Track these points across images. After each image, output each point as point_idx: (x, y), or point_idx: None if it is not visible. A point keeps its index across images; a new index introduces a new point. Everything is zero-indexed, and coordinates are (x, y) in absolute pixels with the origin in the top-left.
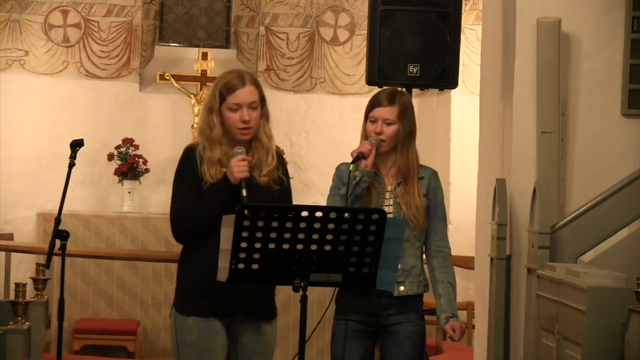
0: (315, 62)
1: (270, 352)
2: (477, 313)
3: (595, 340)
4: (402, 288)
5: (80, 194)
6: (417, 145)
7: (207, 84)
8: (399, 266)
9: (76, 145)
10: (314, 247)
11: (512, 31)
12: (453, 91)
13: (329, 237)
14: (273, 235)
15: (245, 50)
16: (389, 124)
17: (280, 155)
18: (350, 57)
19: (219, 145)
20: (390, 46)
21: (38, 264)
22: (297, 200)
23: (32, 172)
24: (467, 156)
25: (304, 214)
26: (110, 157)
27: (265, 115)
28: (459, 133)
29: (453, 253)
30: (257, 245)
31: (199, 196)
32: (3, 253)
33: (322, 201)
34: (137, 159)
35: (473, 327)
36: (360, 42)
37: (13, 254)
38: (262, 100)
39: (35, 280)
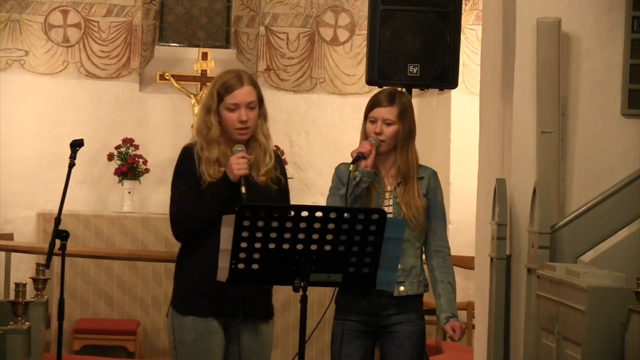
0: (315, 62)
1: (268, 352)
2: (477, 313)
3: (595, 340)
4: (402, 288)
5: (80, 194)
6: (417, 145)
7: (207, 84)
8: (399, 266)
9: (76, 145)
10: (314, 247)
11: (512, 31)
12: (453, 91)
13: (329, 237)
14: (273, 235)
15: (245, 50)
16: (388, 124)
17: (278, 154)
18: (350, 57)
19: (216, 145)
20: (390, 46)
21: (38, 264)
22: (297, 200)
23: (32, 172)
24: (467, 156)
25: (304, 214)
26: (110, 157)
27: (263, 115)
28: (459, 133)
29: (453, 253)
30: (257, 245)
31: (198, 195)
32: (3, 253)
33: (322, 201)
34: (137, 159)
35: (473, 327)
36: (360, 42)
37: (13, 254)
38: (260, 100)
39: (35, 280)
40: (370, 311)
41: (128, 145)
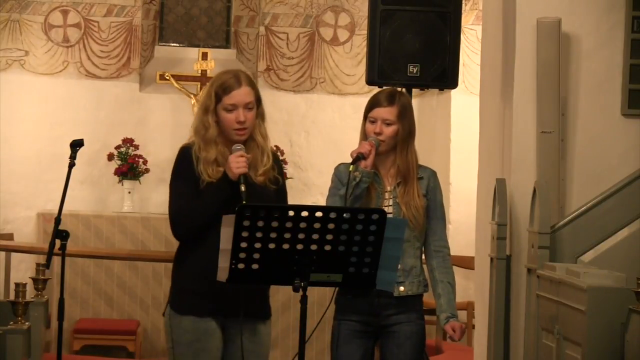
0: (315, 62)
1: (266, 352)
2: (477, 313)
3: (595, 340)
4: (402, 288)
5: (80, 194)
6: (417, 145)
7: (207, 84)
8: (399, 266)
9: (76, 145)
10: (314, 247)
11: (512, 31)
12: (453, 91)
13: (329, 237)
14: (273, 235)
15: (245, 50)
16: (388, 124)
17: (275, 155)
18: (350, 57)
19: (214, 145)
20: (390, 46)
21: (38, 264)
22: (297, 200)
23: (32, 172)
24: (467, 156)
25: (304, 214)
26: (110, 157)
27: (261, 116)
28: (459, 133)
29: (453, 253)
30: (257, 245)
31: (197, 195)
32: (3, 253)
33: (322, 201)
34: (137, 159)
35: (473, 327)
36: (360, 42)
37: (13, 254)
38: (258, 100)
39: (35, 280)
40: (370, 311)
41: (128, 145)
